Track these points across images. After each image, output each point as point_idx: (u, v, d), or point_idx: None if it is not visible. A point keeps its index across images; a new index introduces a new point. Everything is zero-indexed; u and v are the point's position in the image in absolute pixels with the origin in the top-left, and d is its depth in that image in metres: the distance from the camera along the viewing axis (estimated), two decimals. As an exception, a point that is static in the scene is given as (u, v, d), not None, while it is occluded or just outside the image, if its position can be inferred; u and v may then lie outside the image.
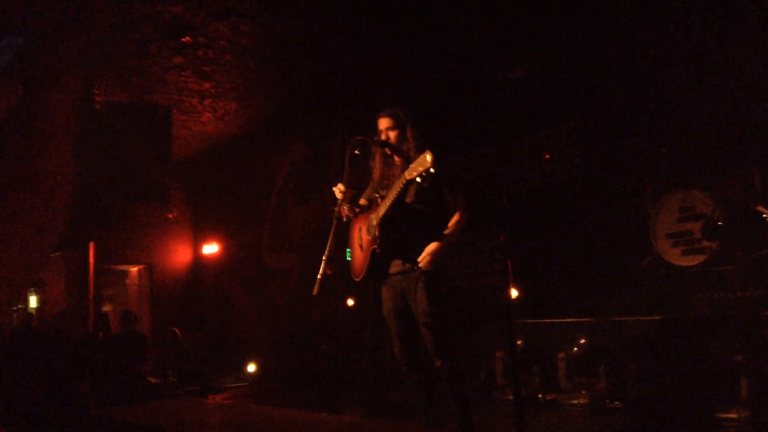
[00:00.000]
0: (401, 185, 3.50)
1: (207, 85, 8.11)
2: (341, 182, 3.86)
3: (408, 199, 3.70)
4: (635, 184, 5.66)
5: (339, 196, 3.87)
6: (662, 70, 5.49)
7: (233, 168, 10.98)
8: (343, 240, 4.07)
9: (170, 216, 11.04)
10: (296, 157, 9.78)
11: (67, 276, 9.75)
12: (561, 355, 5.11)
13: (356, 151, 3.77)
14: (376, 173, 3.95)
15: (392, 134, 3.82)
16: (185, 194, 11.95)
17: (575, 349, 5.04)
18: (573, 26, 5.93)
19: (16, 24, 6.36)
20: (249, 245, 10.65)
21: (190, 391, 7.98)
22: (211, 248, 11.20)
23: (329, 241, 3.71)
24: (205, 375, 8.71)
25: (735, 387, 4.15)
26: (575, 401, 4.92)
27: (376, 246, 3.69)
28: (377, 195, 3.82)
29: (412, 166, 3.34)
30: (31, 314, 11.42)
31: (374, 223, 3.73)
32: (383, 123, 3.85)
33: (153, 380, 8.61)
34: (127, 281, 12.14)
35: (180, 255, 11.89)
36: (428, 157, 3.20)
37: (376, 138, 3.86)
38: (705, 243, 4.99)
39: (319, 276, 3.66)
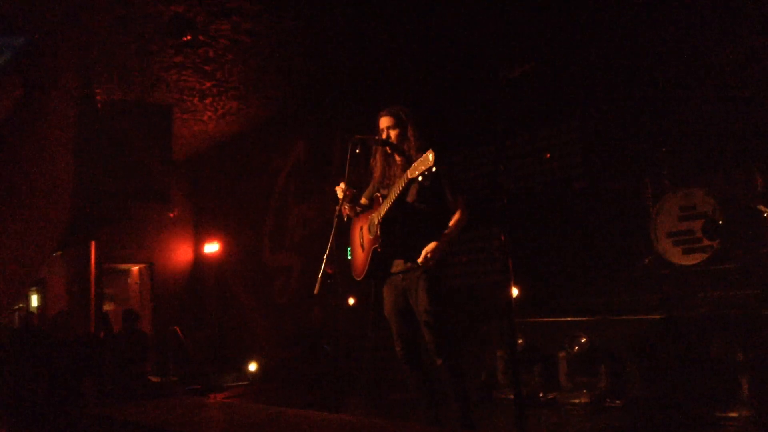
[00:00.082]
0: (403, 184, 3.50)
1: (208, 84, 8.12)
2: (342, 181, 3.86)
3: (409, 198, 3.71)
4: (636, 183, 5.66)
5: (340, 195, 3.87)
6: (663, 69, 5.48)
7: (234, 167, 10.99)
8: (344, 239, 4.08)
9: (171, 215, 11.05)
10: (297, 156, 9.78)
11: (68, 275, 9.74)
12: (562, 354, 5.11)
13: (357, 150, 3.77)
14: (377, 172, 3.95)
15: (393, 133, 3.82)
16: (186, 193, 11.97)
17: (576, 348, 5.04)
18: (573, 25, 5.93)
19: (15, 24, 6.36)
20: (250, 244, 10.66)
21: (191, 390, 7.99)
22: (212, 247, 11.21)
23: (330, 240, 3.72)
24: (206, 374, 8.72)
25: (736, 386, 4.15)
26: (576, 400, 4.92)
27: (377, 245, 3.69)
28: (378, 194, 3.82)
29: (414, 165, 3.34)
30: (32, 313, 11.46)
31: (376, 222, 3.73)
32: (384, 122, 3.85)
33: (154, 379, 8.62)
34: (129, 280, 12.17)
35: (181, 254, 11.90)
36: (430, 156, 3.21)
37: (377, 137, 3.86)
38: (706, 242, 4.99)
39: (320, 275, 3.67)
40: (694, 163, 5.32)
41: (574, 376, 5.05)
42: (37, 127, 7.35)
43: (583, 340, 5.02)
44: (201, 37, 6.79)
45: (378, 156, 3.95)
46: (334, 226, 3.78)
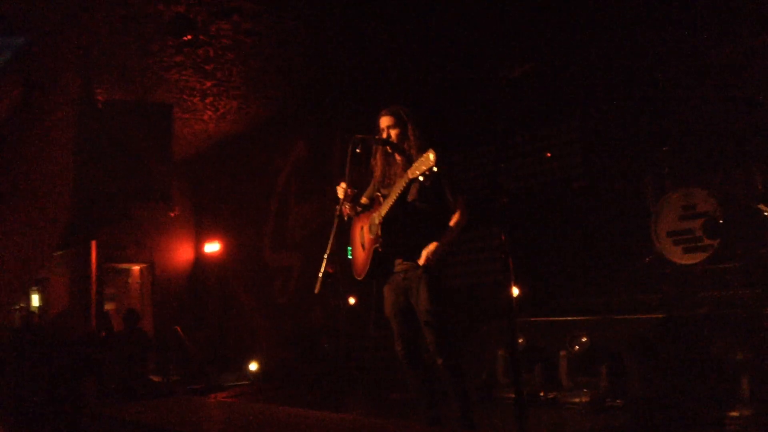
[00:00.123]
0: (404, 184, 3.51)
1: (208, 84, 8.12)
2: (343, 181, 3.86)
3: (410, 198, 3.71)
4: (636, 182, 5.66)
5: (341, 195, 3.88)
6: (663, 69, 5.48)
7: (235, 166, 10.99)
8: (345, 239, 4.08)
9: (172, 214, 11.03)
10: (297, 155, 9.78)
11: (69, 275, 9.75)
12: (562, 353, 5.11)
13: (357, 150, 3.77)
14: (378, 172, 3.95)
15: (393, 132, 3.82)
16: (187, 193, 11.97)
17: (576, 347, 5.04)
18: (574, 25, 5.93)
19: (16, 24, 6.36)
20: (250, 244, 10.66)
21: (192, 390, 8.00)
22: (212, 247, 11.22)
23: (331, 240, 3.72)
24: (206, 374, 8.72)
25: (736, 385, 4.15)
26: (577, 400, 4.92)
27: (378, 245, 3.70)
28: (379, 194, 3.82)
29: (415, 164, 3.34)
30: (33, 313, 11.46)
31: (377, 221, 3.73)
32: (384, 121, 3.85)
33: (155, 379, 8.62)
34: (129, 280, 12.17)
35: (182, 253, 11.91)
36: (431, 156, 3.22)
37: (377, 136, 3.86)
38: (706, 241, 4.99)
39: (320, 274, 3.67)
40: (694, 162, 5.32)
41: (575, 376, 5.05)
42: (37, 127, 7.35)
43: (584, 340, 5.02)
44: (201, 37, 6.79)
45: (378, 155, 3.95)
46: (335, 225, 3.79)
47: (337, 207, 3.86)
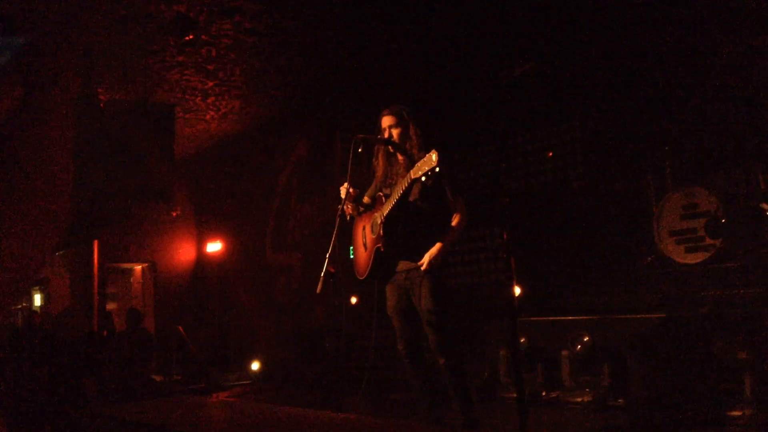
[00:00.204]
0: (406, 184, 3.51)
1: (210, 84, 8.13)
2: (346, 181, 3.87)
3: (411, 198, 3.71)
4: (638, 181, 5.66)
5: (343, 194, 3.88)
6: (664, 68, 5.48)
7: (236, 166, 10.99)
8: (347, 238, 4.08)
9: (174, 214, 11.05)
10: (299, 155, 9.79)
11: (71, 274, 9.78)
12: (564, 353, 5.11)
13: (359, 149, 3.77)
14: (379, 171, 3.95)
15: (395, 132, 3.83)
16: (189, 192, 11.98)
17: (578, 347, 5.04)
18: (575, 24, 5.93)
19: (16, 24, 6.37)
20: (252, 243, 10.67)
21: (194, 389, 8.00)
22: (214, 246, 11.22)
23: (333, 239, 3.72)
24: (208, 373, 8.73)
25: (738, 385, 4.14)
26: (579, 399, 4.92)
27: (380, 244, 3.70)
28: (381, 194, 3.83)
29: (417, 165, 3.34)
30: (35, 312, 11.47)
31: (379, 221, 3.74)
32: (386, 121, 3.86)
33: (157, 378, 8.63)
34: (131, 279, 12.17)
35: (183, 253, 11.91)
36: (434, 157, 3.22)
37: (379, 136, 3.86)
38: (708, 240, 4.98)
39: (322, 274, 3.67)
40: (696, 161, 5.32)
41: (577, 375, 5.05)
42: (38, 128, 7.36)
43: (586, 339, 5.02)
44: (203, 37, 6.78)
45: (380, 155, 3.96)
46: (337, 225, 3.79)
47: (339, 206, 3.86)
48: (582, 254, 6.04)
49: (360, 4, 6.38)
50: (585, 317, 5.22)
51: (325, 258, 3.70)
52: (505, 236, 3.04)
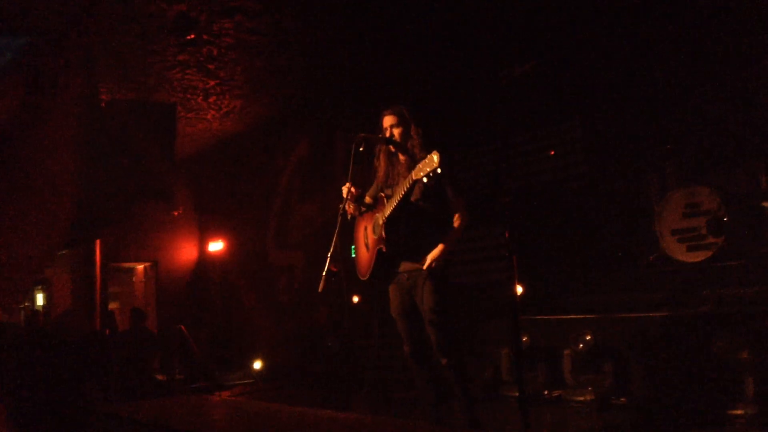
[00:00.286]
0: (408, 185, 3.52)
1: (211, 83, 8.13)
2: (347, 180, 3.87)
3: (413, 198, 3.71)
4: (639, 180, 5.66)
5: (345, 194, 3.88)
6: (666, 67, 5.48)
7: (238, 165, 11.00)
8: (349, 237, 4.08)
9: (175, 213, 11.05)
10: (300, 154, 9.79)
11: (73, 274, 9.78)
12: (566, 351, 5.11)
13: (360, 148, 3.78)
14: (381, 172, 3.96)
15: (396, 131, 3.83)
16: (190, 191, 11.97)
17: (581, 345, 5.04)
18: (577, 23, 5.92)
19: (19, 24, 6.37)
20: (254, 243, 10.67)
21: (197, 388, 8.01)
22: (216, 245, 11.23)
23: (334, 239, 3.72)
24: (210, 372, 8.73)
25: (741, 383, 4.14)
26: (581, 398, 4.92)
27: (382, 245, 3.70)
28: (382, 194, 3.83)
29: (419, 166, 3.35)
30: (37, 312, 11.48)
31: (380, 222, 3.74)
32: (388, 120, 3.86)
33: (159, 377, 8.64)
34: (134, 279, 12.18)
35: (185, 252, 11.91)
36: (435, 158, 3.22)
37: (380, 135, 3.87)
38: (710, 239, 4.99)
39: (324, 273, 3.67)
40: (698, 160, 5.32)
41: (579, 374, 5.05)
42: (41, 127, 7.37)
43: (588, 338, 5.02)
44: (204, 36, 6.79)
45: (381, 155, 3.96)
46: (339, 224, 3.79)
47: (341, 205, 3.87)
48: (584, 253, 6.05)
49: (360, 4, 6.38)
50: (587, 316, 5.23)
51: (327, 257, 3.70)
52: (507, 235, 3.04)
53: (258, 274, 10.52)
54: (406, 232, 3.72)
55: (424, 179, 3.31)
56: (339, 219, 3.82)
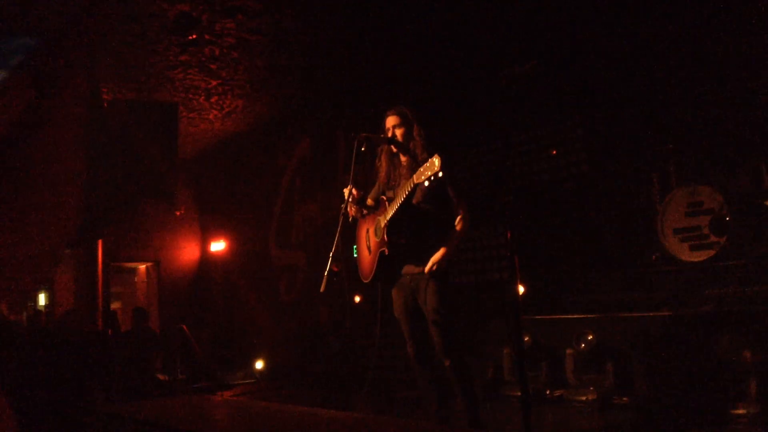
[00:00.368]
0: (409, 188, 3.52)
1: (213, 83, 8.13)
2: (349, 182, 3.87)
3: (414, 200, 3.72)
4: (642, 179, 5.64)
5: (347, 196, 3.89)
6: (668, 65, 5.46)
7: (240, 165, 11.01)
8: (350, 237, 4.08)
9: (178, 213, 11.08)
10: (302, 154, 9.79)
11: (76, 274, 9.80)
12: (568, 351, 5.11)
13: (362, 148, 3.78)
14: (382, 172, 3.96)
15: (399, 132, 3.84)
16: (192, 191, 12.00)
17: (582, 345, 5.04)
18: (578, 21, 5.91)
19: (26, 25, 6.38)
20: (256, 242, 10.68)
21: (199, 388, 8.01)
22: (218, 245, 11.24)
23: (336, 239, 3.73)
24: (213, 372, 8.74)
25: (743, 383, 4.14)
26: (583, 397, 4.91)
27: (384, 248, 3.71)
28: (384, 197, 3.84)
29: (420, 170, 3.34)
30: (39, 312, 11.50)
31: (382, 225, 3.75)
32: (390, 120, 3.87)
33: (162, 377, 8.65)
34: (136, 279, 12.20)
35: (188, 252, 11.94)
36: (437, 162, 3.22)
37: (382, 135, 3.87)
38: (713, 238, 4.97)
39: (326, 273, 3.68)
40: (701, 159, 5.30)
41: (581, 374, 5.05)
42: (42, 128, 7.37)
43: (590, 338, 5.01)
44: (206, 36, 6.79)
45: (383, 157, 3.97)
46: (340, 224, 3.80)
47: (343, 205, 3.87)
48: (585, 252, 6.03)
49: (360, 4, 6.38)
50: (589, 315, 5.22)
51: (329, 257, 3.71)
52: (508, 235, 3.04)
53: (259, 274, 10.53)
54: (408, 235, 3.73)
55: (425, 183, 3.31)
56: (341, 219, 3.83)
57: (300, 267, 9.63)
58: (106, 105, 7.67)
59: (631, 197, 5.78)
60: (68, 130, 7.47)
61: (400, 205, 3.61)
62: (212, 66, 7.60)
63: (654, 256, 5.41)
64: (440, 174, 3.22)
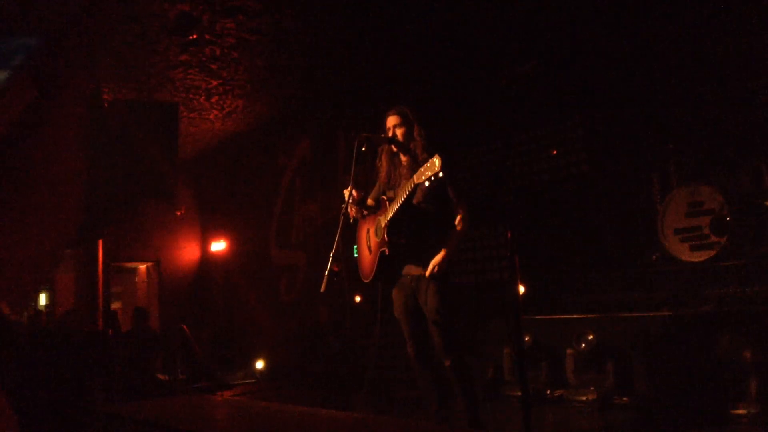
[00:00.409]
0: (410, 189, 3.52)
1: (214, 83, 8.14)
2: (350, 182, 3.87)
3: (415, 200, 3.72)
4: (643, 179, 5.64)
5: (347, 197, 3.89)
6: (669, 65, 5.46)
7: (240, 165, 11.01)
8: (351, 237, 4.08)
9: (178, 213, 11.08)
10: (302, 154, 9.79)
11: (76, 274, 9.80)
12: (569, 351, 5.10)
13: (363, 147, 3.78)
14: (383, 172, 3.97)
15: (399, 132, 3.85)
16: (193, 191, 12.00)
17: (583, 345, 5.03)
18: (578, 21, 5.91)
19: (27, 25, 6.38)
20: (256, 242, 10.68)
21: (199, 388, 8.01)
22: (218, 245, 11.24)
23: (336, 238, 3.73)
24: (213, 372, 8.74)
25: (744, 383, 4.14)
26: (583, 397, 4.91)
27: (385, 248, 3.71)
28: (384, 197, 3.84)
29: (420, 170, 3.35)
30: (40, 312, 11.50)
31: (383, 225, 3.75)
32: (391, 120, 3.87)
33: (162, 377, 8.65)
34: (136, 278, 12.20)
35: (188, 252, 11.94)
36: (437, 162, 3.23)
37: (383, 134, 3.87)
38: (713, 238, 4.97)
39: (326, 273, 3.68)
40: (701, 159, 5.30)
41: (581, 373, 5.04)
42: (44, 128, 7.38)
43: (590, 337, 5.01)
44: (207, 36, 6.80)
45: (384, 157, 3.97)
46: (341, 224, 3.80)
47: (343, 205, 3.88)
48: (586, 252, 6.03)
49: (360, 4, 6.38)
50: (589, 315, 5.22)
51: (329, 257, 3.71)
52: (509, 234, 3.04)
53: (259, 274, 10.53)
54: (409, 235, 3.73)
55: (426, 183, 3.32)
56: (341, 219, 3.83)
57: (300, 267, 9.63)
58: (106, 105, 7.67)
59: (631, 197, 5.77)
60: (69, 130, 7.48)
61: (401, 205, 3.61)
62: (213, 66, 7.61)
63: (654, 256, 5.40)
64: (440, 174, 3.22)
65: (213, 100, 8.70)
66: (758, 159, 4.95)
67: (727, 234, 4.87)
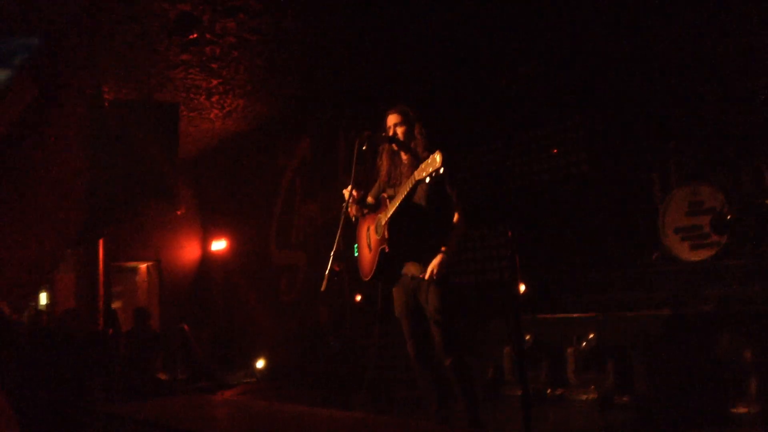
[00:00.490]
0: (410, 185, 3.52)
1: (214, 82, 8.14)
2: (351, 183, 3.88)
3: (415, 199, 3.72)
4: (643, 178, 5.64)
5: (347, 197, 3.89)
6: (670, 64, 5.46)
7: (240, 165, 11.01)
8: (351, 236, 4.08)
9: (178, 213, 11.07)
10: (303, 153, 9.80)
11: (77, 273, 9.79)
12: (569, 350, 5.10)
13: (363, 146, 3.78)
14: (383, 171, 3.97)
15: (400, 130, 3.85)
16: (193, 191, 12.00)
17: (583, 344, 5.03)
18: (580, 21, 5.91)
19: (27, 25, 6.38)
20: (256, 242, 10.68)
21: (199, 388, 8.02)
22: (219, 245, 11.24)
23: (337, 238, 3.73)
24: (213, 371, 8.74)
25: (744, 382, 4.14)
26: (584, 396, 4.91)
27: (385, 246, 3.71)
28: (385, 195, 3.84)
29: (422, 166, 3.35)
30: (40, 311, 11.50)
31: (383, 222, 3.75)
32: (392, 119, 3.87)
33: (162, 377, 8.65)
34: (136, 278, 12.20)
35: (188, 251, 11.94)
36: (438, 158, 3.23)
37: (383, 134, 3.87)
38: (714, 237, 4.97)
39: (326, 272, 3.68)
40: (702, 158, 5.30)
41: (582, 373, 5.04)
42: (45, 129, 7.38)
43: (591, 337, 5.01)
44: (207, 35, 6.80)
45: (384, 155, 3.97)
46: (341, 223, 3.80)
47: (343, 204, 3.88)
48: (586, 251, 6.03)
49: (360, 4, 6.38)
50: (590, 314, 5.21)
51: (329, 257, 3.71)
52: (509, 233, 3.04)
53: (260, 274, 10.53)
54: (409, 232, 3.73)
55: (427, 179, 3.32)
56: (342, 218, 3.83)
57: (300, 267, 9.63)
58: (107, 105, 7.68)
59: (631, 197, 5.77)
60: (69, 130, 7.48)
61: (401, 202, 3.61)
62: (213, 65, 7.61)
63: (654, 256, 5.40)
64: (441, 170, 3.22)
65: (213, 99, 8.70)
66: (759, 158, 4.95)
67: (727, 233, 4.87)
